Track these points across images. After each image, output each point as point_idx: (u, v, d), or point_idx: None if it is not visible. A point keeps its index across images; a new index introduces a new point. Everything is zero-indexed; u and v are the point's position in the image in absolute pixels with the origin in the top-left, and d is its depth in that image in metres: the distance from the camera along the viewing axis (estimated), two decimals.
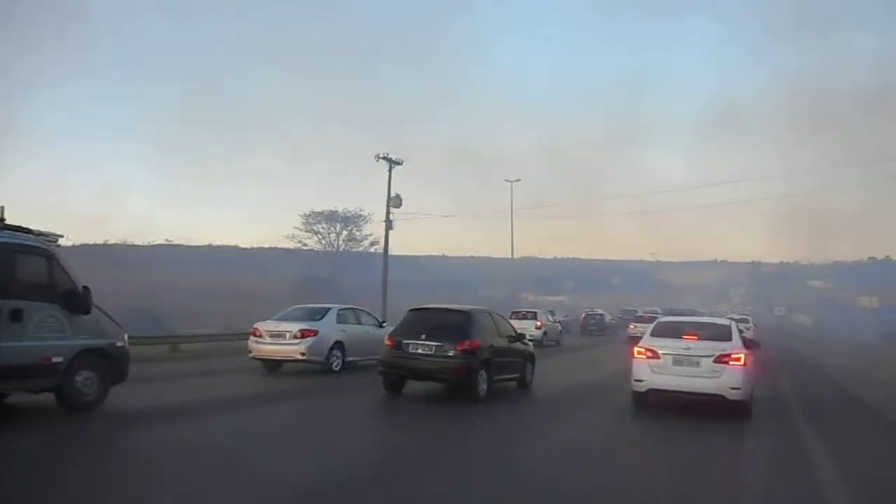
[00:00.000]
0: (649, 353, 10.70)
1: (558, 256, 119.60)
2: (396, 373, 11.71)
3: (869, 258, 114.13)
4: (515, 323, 17.53)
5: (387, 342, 12.00)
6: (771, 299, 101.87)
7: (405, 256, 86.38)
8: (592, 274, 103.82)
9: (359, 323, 15.86)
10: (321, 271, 60.66)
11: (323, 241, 68.97)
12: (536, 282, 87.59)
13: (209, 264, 59.78)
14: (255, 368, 14.80)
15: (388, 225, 38.26)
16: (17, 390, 8.72)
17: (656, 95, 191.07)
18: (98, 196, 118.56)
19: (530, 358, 13.56)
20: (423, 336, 11.34)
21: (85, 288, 8.88)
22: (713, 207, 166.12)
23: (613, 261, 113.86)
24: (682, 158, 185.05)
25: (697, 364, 10.34)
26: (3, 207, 8.42)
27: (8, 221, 8.43)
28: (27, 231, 8.65)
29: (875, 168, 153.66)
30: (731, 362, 10.25)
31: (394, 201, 37.15)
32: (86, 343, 8.90)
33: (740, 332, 11.63)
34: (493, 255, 62.76)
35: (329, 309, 15.29)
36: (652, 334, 11.33)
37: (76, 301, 8.75)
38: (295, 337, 14.14)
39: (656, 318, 18.44)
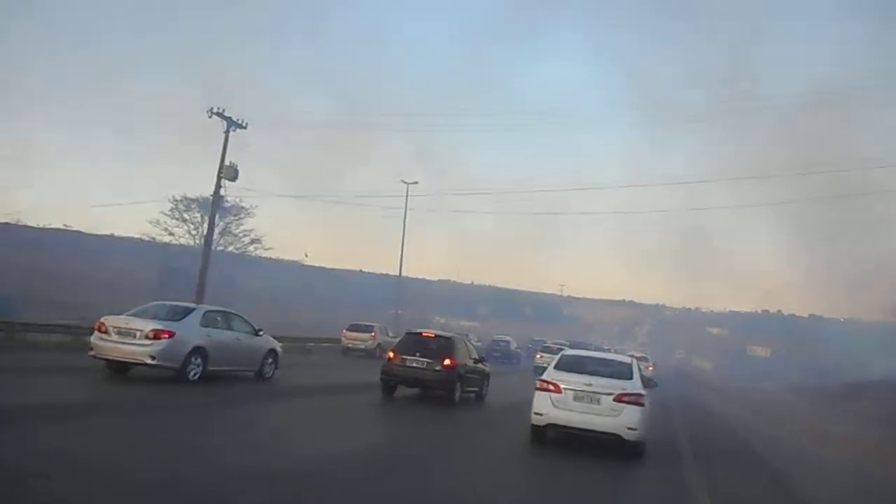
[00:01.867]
0: (552, 387, 10.31)
1: (475, 282, 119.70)
2: (395, 380, 14.55)
3: (763, 310, 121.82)
4: None
5: (389, 355, 14.75)
6: (672, 341, 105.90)
7: (321, 268, 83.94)
8: (506, 302, 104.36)
9: (229, 328, 13.96)
10: (189, 267, 52.64)
11: (194, 233, 54.95)
12: (451, 305, 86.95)
13: (107, 254, 55.01)
14: (92, 369, 12.67)
15: (216, 200, 31.31)
16: None
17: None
18: None
19: (487, 377, 16.64)
20: (417, 353, 14.30)
21: None
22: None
23: (527, 292, 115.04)
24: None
25: (598, 402, 10.10)
26: None
27: None
28: None
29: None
30: (630, 402, 10.01)
31: (227, 172, 29.42)
32: None
33: (640, 370, 11.40)
34: (411, 276, 60.62)
35: (193, 309, 13.32)
36: (556, 367, 10.92)
37: None
38: (147, 337, 12.01)
39: (563, 349, 18.05)
